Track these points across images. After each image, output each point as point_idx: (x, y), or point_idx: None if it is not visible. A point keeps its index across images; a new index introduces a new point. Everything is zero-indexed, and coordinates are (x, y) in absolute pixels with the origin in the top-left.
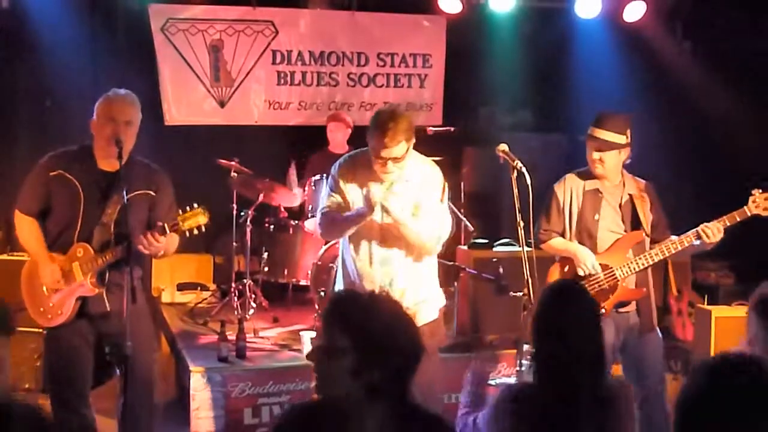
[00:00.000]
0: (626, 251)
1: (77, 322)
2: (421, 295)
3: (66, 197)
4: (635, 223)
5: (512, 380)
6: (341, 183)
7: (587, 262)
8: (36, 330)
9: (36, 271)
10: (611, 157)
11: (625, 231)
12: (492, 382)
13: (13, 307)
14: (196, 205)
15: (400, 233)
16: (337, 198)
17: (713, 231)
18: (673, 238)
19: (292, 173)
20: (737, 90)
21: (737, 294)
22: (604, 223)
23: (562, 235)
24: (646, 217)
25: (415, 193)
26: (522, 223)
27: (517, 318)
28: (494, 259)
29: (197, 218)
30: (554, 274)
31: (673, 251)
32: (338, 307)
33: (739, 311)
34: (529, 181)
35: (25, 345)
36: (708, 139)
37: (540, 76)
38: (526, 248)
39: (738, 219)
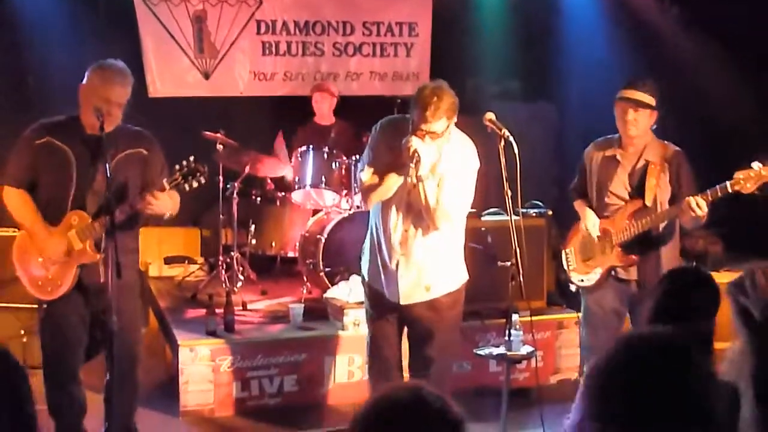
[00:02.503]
0: (625, 218)
1: (74, 297)
2: (441, 267)
3: (55, 165)
4: (640, 191)
5: (500, 350)
6: (381, 143)
7: (587, 224)
8: (24, 306)
9: (30, 244)
10: (644, 117)
11: (630, 196)
12: (480, 352)
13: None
14: (192, 159)
15: (426, 204)
16: (377, 156)
17: (694, 204)
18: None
19: (280, 144)
20: (726, 56)
21: (725, 261)
22: (615, 190)
23: (587, 196)
24: (658, 186)
25: (443, 167)
26: (510, 193)
27: (505, 288)
28: (482, 229)
29: (196, 172)
30: (571, 236)
31: (658, 222)
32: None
33: (727, 278)
34: (516, 151)
35: (12, 321)
36: (697, 105)
37: (527, 44)
38: (513, 217)
39: (720, 194)
